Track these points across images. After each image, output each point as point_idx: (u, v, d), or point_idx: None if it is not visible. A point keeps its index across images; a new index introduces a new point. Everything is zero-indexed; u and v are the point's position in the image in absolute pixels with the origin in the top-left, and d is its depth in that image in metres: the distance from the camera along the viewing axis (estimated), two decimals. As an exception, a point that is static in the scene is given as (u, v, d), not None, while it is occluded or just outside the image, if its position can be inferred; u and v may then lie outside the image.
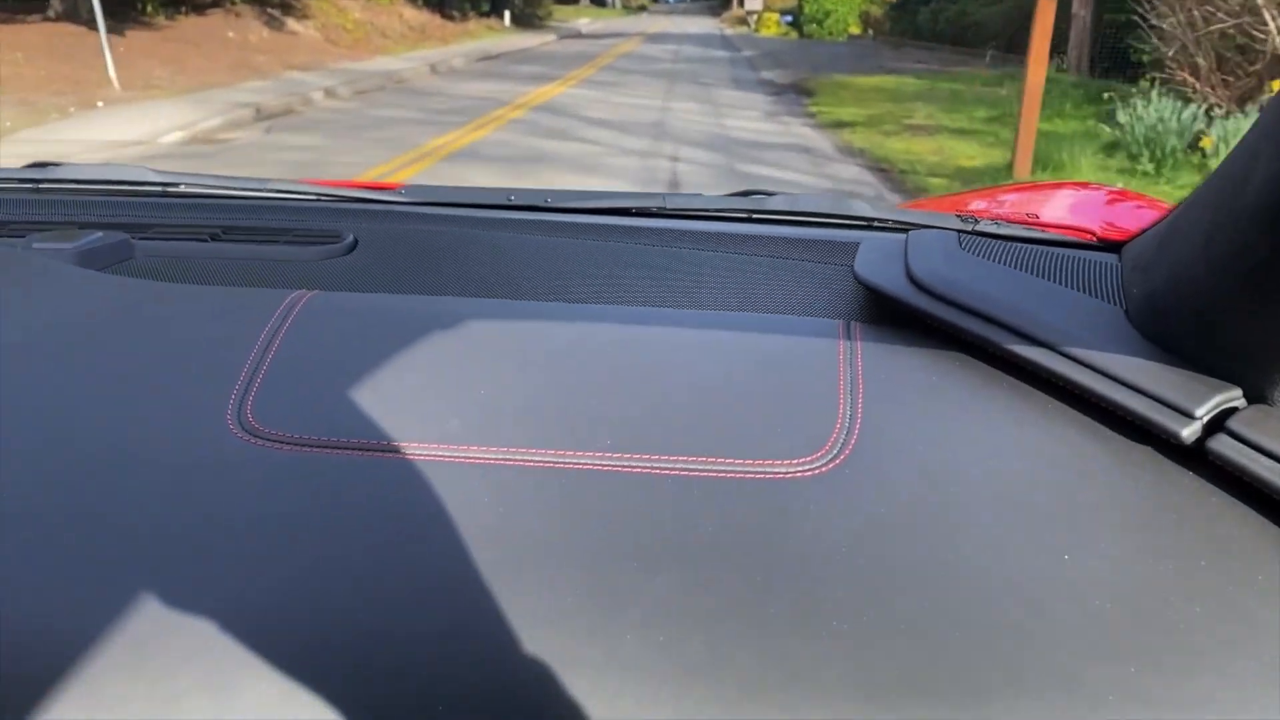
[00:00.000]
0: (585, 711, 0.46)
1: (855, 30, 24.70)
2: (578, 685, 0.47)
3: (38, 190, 1.00)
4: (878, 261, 0.71)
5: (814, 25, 25.85)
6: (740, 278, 0.78)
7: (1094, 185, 1.07)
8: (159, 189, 0.99)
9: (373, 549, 0.50)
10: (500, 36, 20.36)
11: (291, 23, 13.43)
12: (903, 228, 0.83)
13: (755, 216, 0.89)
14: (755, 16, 31.57)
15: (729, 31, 30.65)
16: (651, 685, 0.47)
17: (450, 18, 20.24)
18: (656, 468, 0.54)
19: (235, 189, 0.99)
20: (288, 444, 0.55)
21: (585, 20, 36.50)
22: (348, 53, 13.23)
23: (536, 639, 0.48)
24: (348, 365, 0.60)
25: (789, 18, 27.61)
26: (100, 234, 0.84)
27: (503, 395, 0.58)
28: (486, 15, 23.62)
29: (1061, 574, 0.49)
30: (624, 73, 12.91)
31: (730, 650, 0.47)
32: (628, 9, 56.29)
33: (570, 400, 0.58)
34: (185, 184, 0.98)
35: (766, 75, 12.93)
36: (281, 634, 0.48)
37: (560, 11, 43.53)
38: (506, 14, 24.39)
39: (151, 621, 0.48)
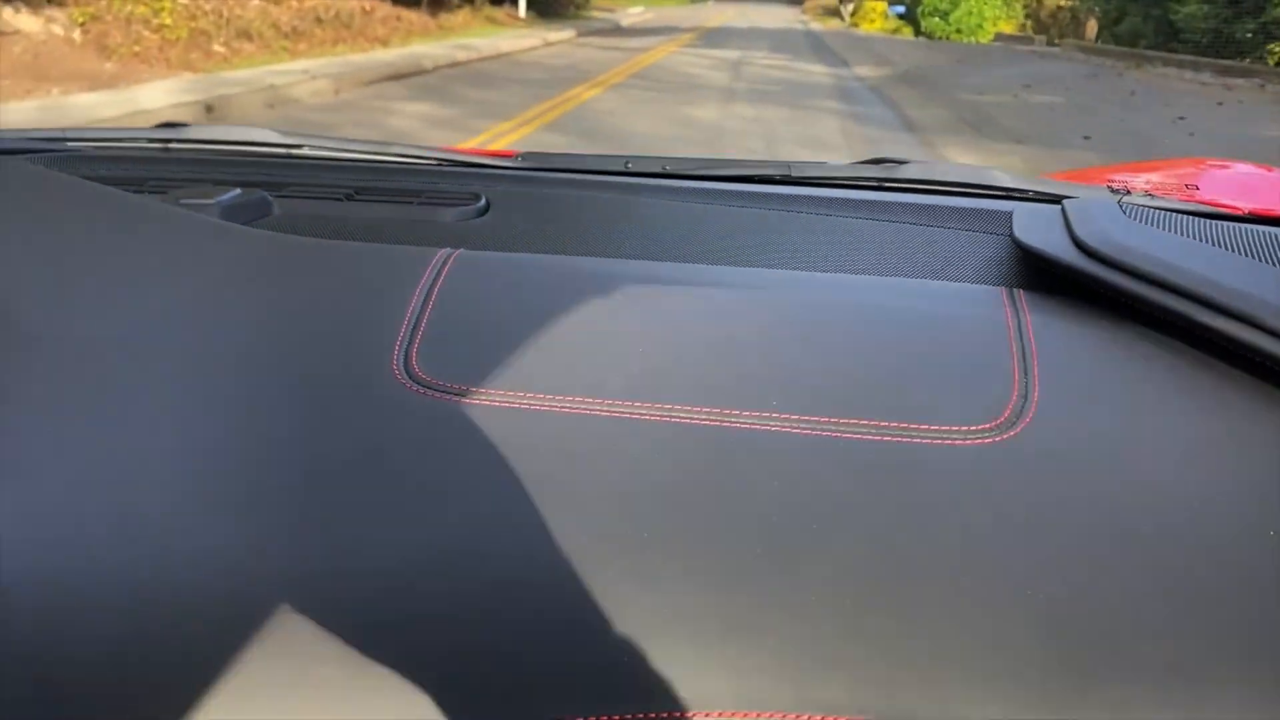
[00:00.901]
0: (770, 675, 0.46)
1: (1005, 28, 17.59)
2: (759, 652, 0.47)
3: (166, 149, 1.05)
4: (1038, 228, 0.70)
5: (935, 20, 18.96)
6: (881, 244, 0.77)
7: (1231, 161, 1.09)
8: (283, 150, 1.04)
9: (535, 501, 0.51)
10: (486, 34, 14.64)
11: (8, 13, 7.10)
12: (1049, 198, 0.82)
13: (887, 184, 0.89)
14: (851, 5, 25.10)
15: (816, 26, 25.37)
16: (834, 656, 0.47)
17: (441, 5, 14.76)
18: (826, 431, 0.54)
19: (358, 151, 1.03)
20: (454, 394, 0.56)
21: (637, 9, 30.65)
22: (105, 72, 6.90)
23: (708, 600, 0.48)
24: (504, 320, 0.61)
25: (899, 8, 20.82)
26: (238, 190, 0.86)
27: (662, 353, 0.59)
28: (498, 2, 18.17)
29: (1256, 554, 0.48)
30: (602, 126, 6.31)
31: (915, 621, 0.47)
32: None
33: (731, 360, 0.58)
34: (309, 146, 1.03)
35: (939, 138, 6.32)
36: (445, 579, 0.48)
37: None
38: (522, 4, 18.82)
39: (321, 561, 0.49)
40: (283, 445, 0.54)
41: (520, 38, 13.95)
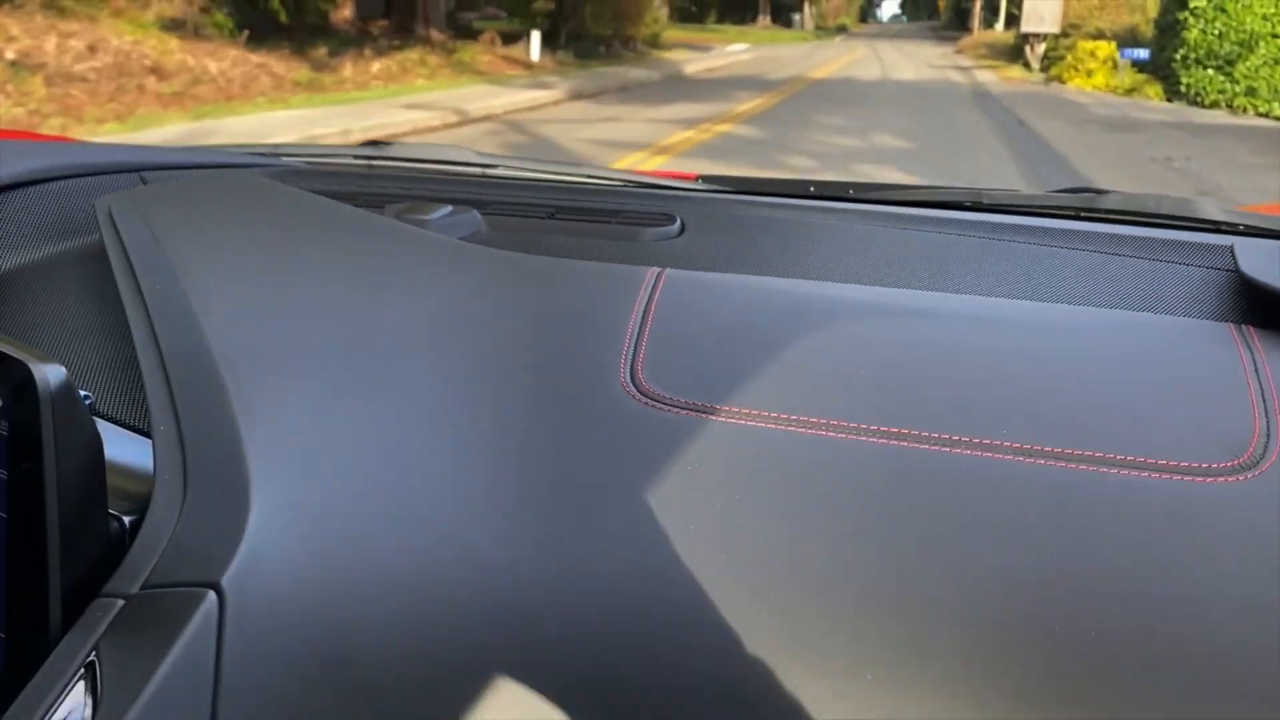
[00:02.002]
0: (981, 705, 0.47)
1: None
2: (968, 687, 0.47)
3: (371, 166, 1.07)
4: (1266, 263, 0.70)
5: (1207, 73, 11.08)
6: (1089, 274, 0.76)
7: None
8: (480, 169, 1.06)
9: (765, 518, 0.51)
10: (411, 93, 9.69)
11: None
12: (1267, 233, 0.82)
13: (1085, 214, 0.87)
14: (1043, 45, 16.20)
15: (985, 77, 16.37)
16: (1038, 702, 0.47)
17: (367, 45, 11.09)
18: (1059, 462, 0.52)
19: (549, 172, 1.05)
20: (679, 408, 0.57)
21: (739, 46, 25.13)
22: None
23: (945, 627, 0.48)
24: (721, 338, 0.62)
25: (1136, 53, 12.75)
26: (450, 208, 0.89)
27: (885, 376, 0.58)
28: (513, 40, 13.73)
29: None
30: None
31: (1160, 686, 0.46)
32: (821, 31, 41.84)
33: (956, 388, 0.57)
34: (503, 166, 1.06)
35: None
36: (680, 587, 0.50)
37: (714, 34, 30.59)
38: (535, 40, 13.84)
39: (569, 568, 0.51)
40: (527, 453, 0.56)
41: (475, 98, 9.00)
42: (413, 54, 11.23)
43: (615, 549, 0.51)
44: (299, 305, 0.64)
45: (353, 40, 11.34)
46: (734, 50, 23.73)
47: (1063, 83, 14.15)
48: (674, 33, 30.15)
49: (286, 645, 0.46)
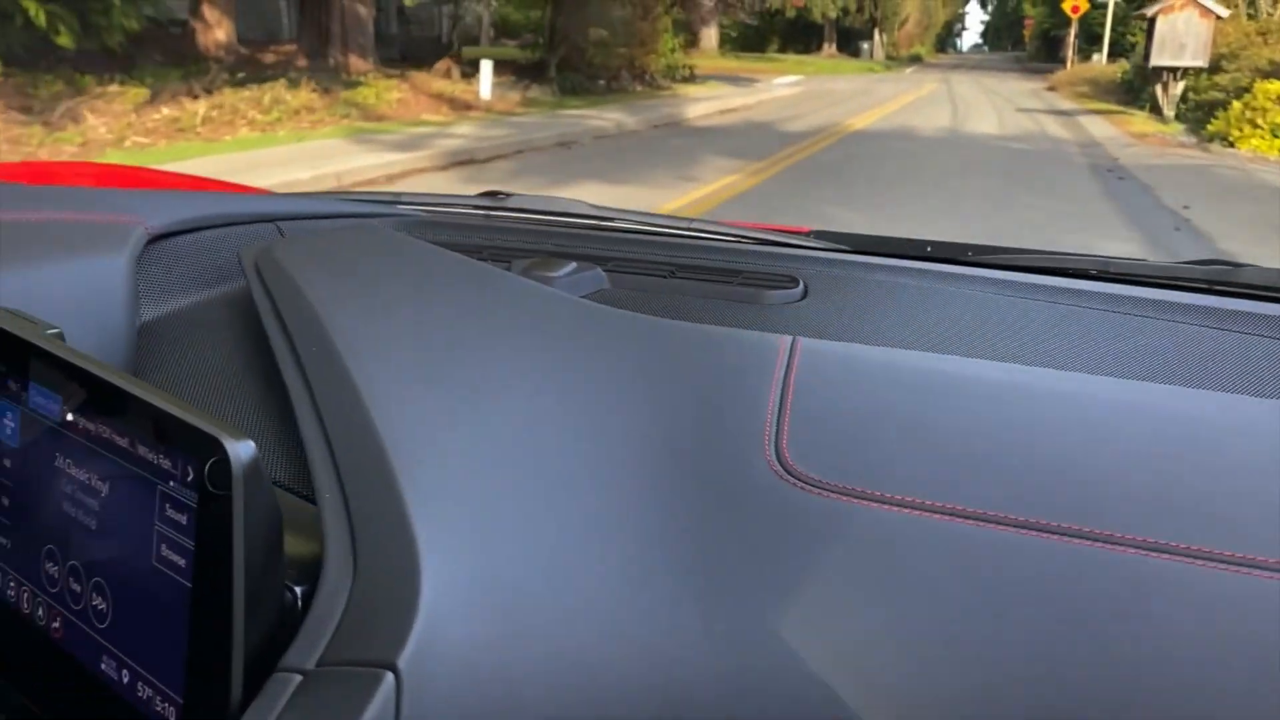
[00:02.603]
0: None
1: None
2: None
3: (488, 217, 1.11)
4: None
5: None
6: (1223, 355, 0.75)
7: None
8: (593, 222, 1.08)
9: (932, 620, 0.49)
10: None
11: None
12: None
13: (1218, 288, 0.85)
14: (1173, 81, 11.24)
15: (1101, 131, 11.46)
16: None
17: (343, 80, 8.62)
18: (1253, 571, 0.49)
19: (666, 226, 1.06)
20: (833, 492, 0.55)
21: (788, 79, 22.03)
22: None
23: None
24: (864, 417, 0.61)
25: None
26: (575, 265, 0.90)
27: (1039, 463, 0.56)
28: (472, 75, 10.88)
29: None
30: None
31: None
32: (892, 62, 38.05)
33: (1118, 480, 0.55)
34: (620, 220, 1.08)
35: None
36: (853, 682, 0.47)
37: (770, 64, 27.19)
38: (485, 73, 10.84)
39: (724, 657, 0.49)
40: (677, 534, 0.54)
41: (288, 162, 6.24)
42: (282, 92, 7.94)
43: (778, 642, 0.49)
44: (447, 371, 0.65)
45: (227, 69, 8.24)
46: (781, 83, 20.23)
47: (1229, 144, 9.76)
48: (723, 62, 26.91)
49: None
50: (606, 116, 9.99)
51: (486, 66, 10.52)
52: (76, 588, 0.56)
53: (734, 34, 34.88)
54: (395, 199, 1.16)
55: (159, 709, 0.51)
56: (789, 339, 0.68)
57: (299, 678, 0.45)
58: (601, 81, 13.42)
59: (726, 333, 0.72)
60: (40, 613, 0.59)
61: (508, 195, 1.15)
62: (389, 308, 0.72)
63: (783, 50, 36.11)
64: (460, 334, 0.69)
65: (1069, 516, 0.52)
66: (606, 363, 0.67)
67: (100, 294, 0.76)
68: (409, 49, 12.81)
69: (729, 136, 9.51)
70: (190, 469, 0.48)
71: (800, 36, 37.87)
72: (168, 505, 0.50)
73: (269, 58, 10.16)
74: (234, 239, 0.93)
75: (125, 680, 0.53)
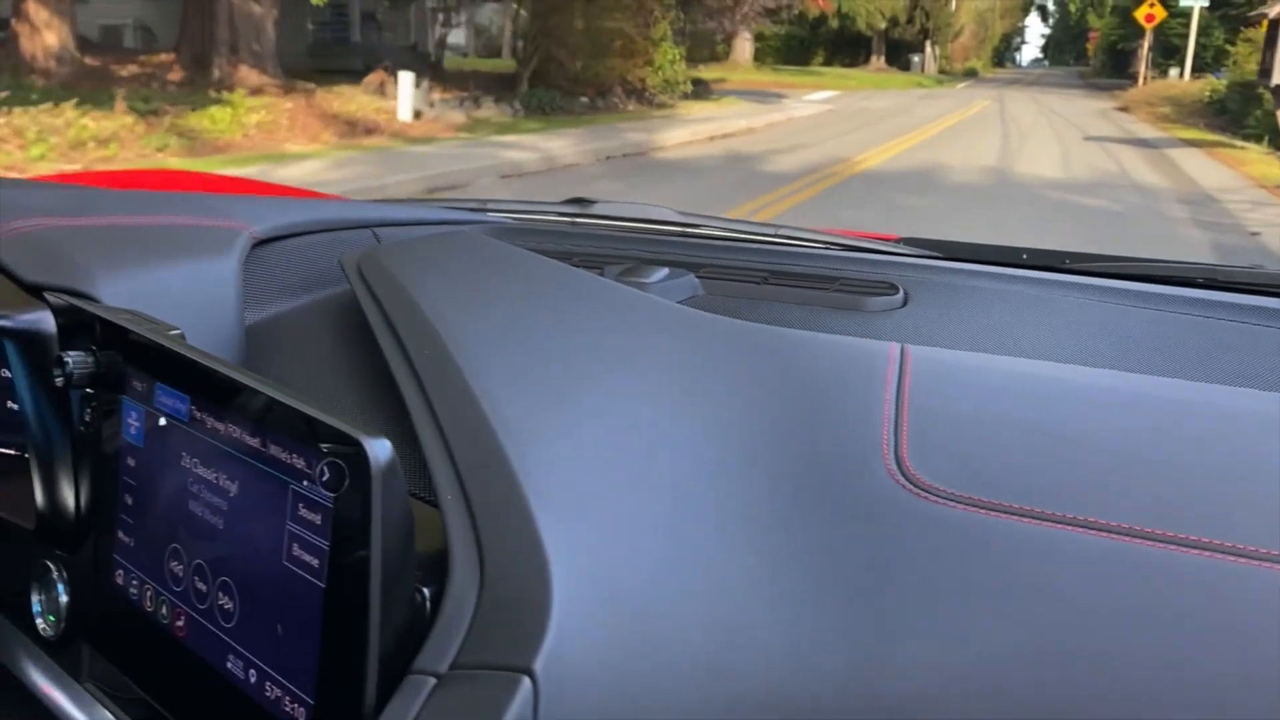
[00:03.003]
0: None
1: None
2: None
3: (574, 224, 1.13)
4: None
5: None
6: None
7: None
8: (679, 229, 1.08)
9: (1073, 630, 0.47)
10: None
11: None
12: None
13: None
14: None
15: (1210, 176, 8.26)
16: None
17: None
18: None
19: (753, 233, 1.06)
20: (958, 502, 0.54)
21: (821, 95, 20.10)
22: None
23: None
24: (984, 426, 0.60)
25: None
26: (667, 270, 0.91)
27: (1173, 475, 0.55)
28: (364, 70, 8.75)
29: None
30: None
31: None
32: (945, 76, 35.50)
33: (1236, 492, 0.54)
34: (706, 225, 1.08)
35: None
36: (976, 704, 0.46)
37: (810, 77, 24.91)
38: (404, 86, 8.79)
39: (846, 670, 0.48)
40: (799, 542, 0.53)
41: None
42: (73, 114, 5.89)
43: (902, 655, 0.47)
44: (554, 376, 0.65)
45: (61, 82, 6.38)
46: (809, 100, 17.99)
47: None
48: (756, 76, 24.77)
49: None
50: (544, 145, 7.91)
51: (405, 81, 8.40)
52: (202, 586, 0.57)
53: (775, 45, 32.54)
54: (482, 206, 1.19)
55: (288, 709, 0.51)
56: (897, 346, 0.67)
57: (433, 680, 0.44)
58: (585, 98, 11.27)
59: (832, 339, 0.71)
60: (164, 611, 0.60)
61: (592, 202, 1.18)
62: (492, 311, 0.73)
63: (828, 63, 33.71)
64: (563, 338, 0.70)
65: (1210, 531, 0.50)
66: (711, 369, 0.67)
67: (211, 296, 0.78)
68: (374, 58, 10.78)
69: (687, 177, 7.35)
70: (326, 469, 0.48)
71: (847, 49, 35.36)
72: (301, 505, 0.50)
73: (129, 69, 8.12)
74: (331, 245, 0.94)
75: (252, 680, 0.53)
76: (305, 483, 0.50)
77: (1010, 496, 0.53)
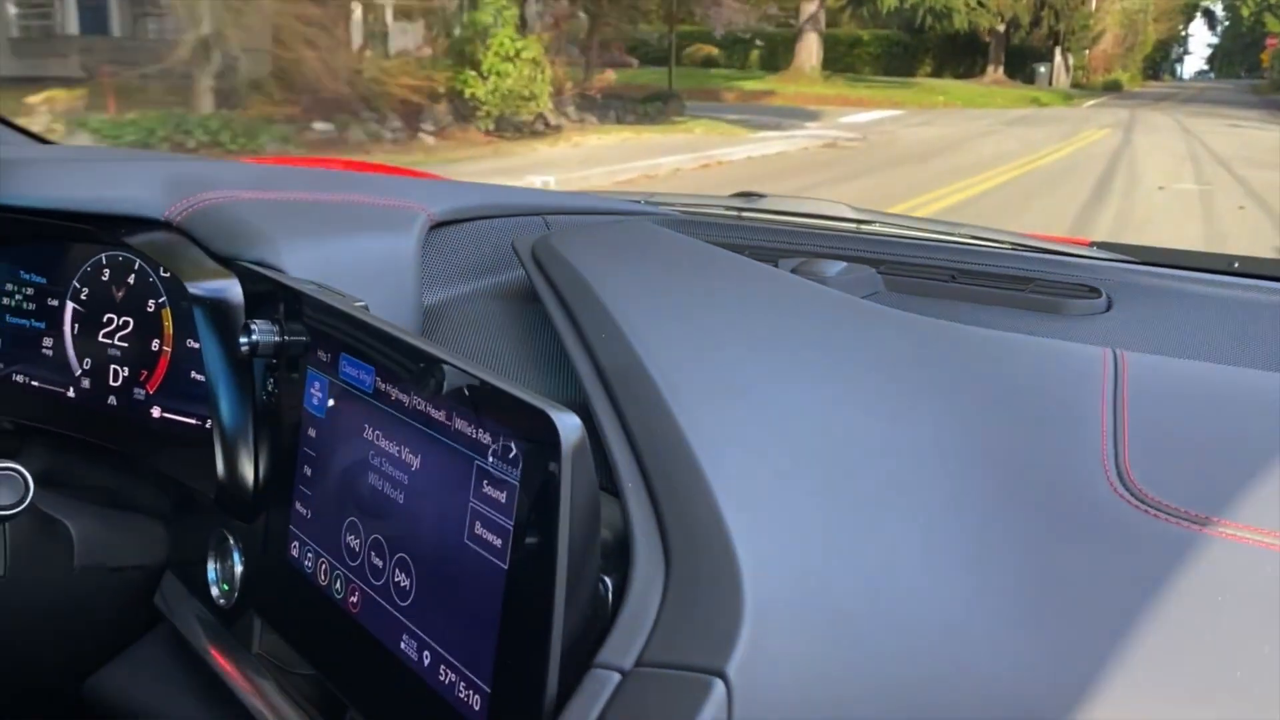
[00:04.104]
0: None
1: None
2: None
3: (741, 217, 1.11)
4: None
5: None
6: None
7: None
8: (854, 225, 1.05)
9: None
10: None
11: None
12: None
13: None
14: None
15: None
16: None
17: None
18: None
19: (932, 231, 1.04)
20: (1188, 520, 0.51)
21: (853, 118, 16.10)
22: None
23: None
24: (1214, 439, 0.57)
25: None
26: (844, 264, 0.88)
27: None
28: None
29: None
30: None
31: None
32: (1079, 91, 29.58)
33: None
34: (879, 222, 1.05)
35: None
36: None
37: (860, 92, 20.32)
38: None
39: (1063, 690, 0.46)
40: (1011, 553, 0.51)
41: None
42: None
43: (1119, 670, 0.45)
44: (734, 366, 0.63)
45: None
46: (841, 124, 14.09)
47: None
48: (815, 88, 20.65)
49: None
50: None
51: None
52: (378, 562, 0.56)
53: (874, 52, 27.36)
54: (648, 198, 1.18)
55: (462, 695, 0.50)
56: (1109, 352, 0.64)
57: (618, 676, 0.43)
58: (324, 124, 7.08)
59: (1039, 342, 0.68)
60: (338, 586, 0.60)
61: (761, 196, 1.16)
62: (668, 298, 0.72)
63: (938, 74, 28.25)
64: (743, 327, 0.68)
65: None
66: (905, 366, 0.64)
67: (390, 274, 0.78)
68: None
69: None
70: (513, 444, 0.47)
71: (961, 57, 29.70)
72: (485, 481, 0.49)
73: None
74: (502, 230, 0.94)
75: (426, 662, 0.52)
76: (491, 459, 0.49)
77: (1241, 515, 0.50)
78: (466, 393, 0.51)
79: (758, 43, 25.87)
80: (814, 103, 18.39)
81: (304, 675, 0.69)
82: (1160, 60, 51.30)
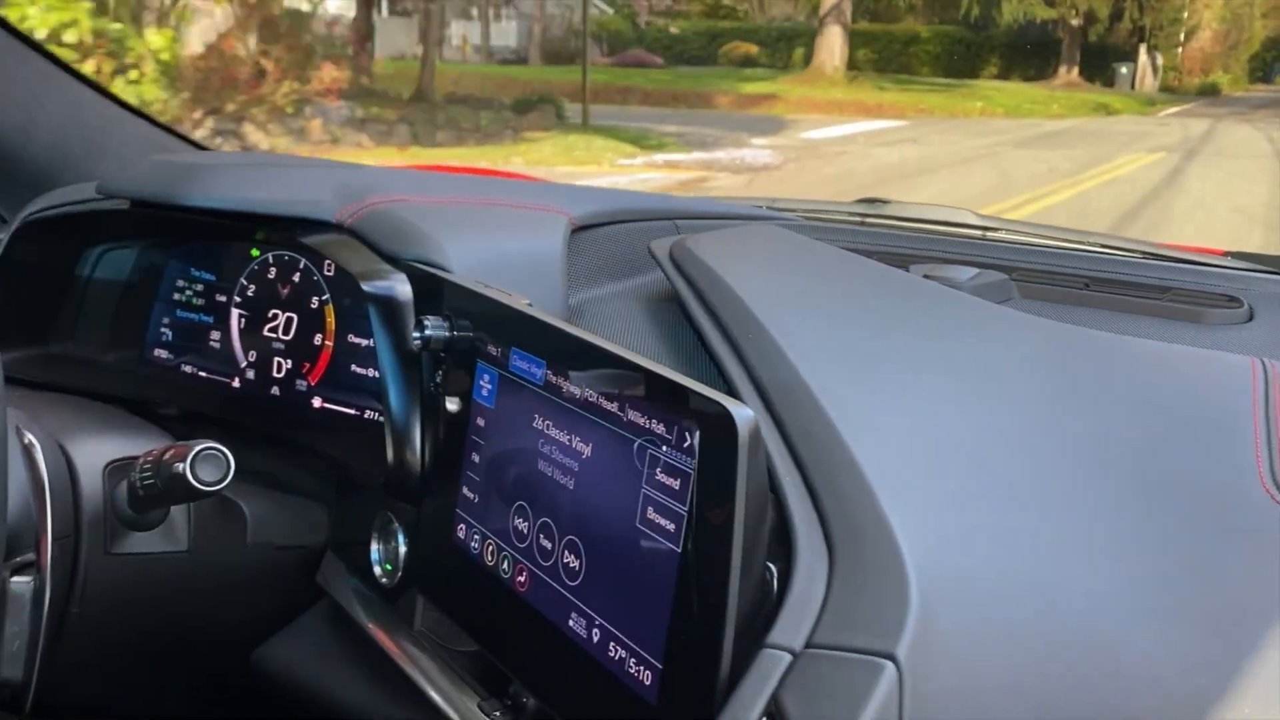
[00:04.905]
0: None
1: None
2: None
3: (864, 223, 1.13)
4: None
5: None
6: None
7: None
8: (980, 231, 1.07)
9: None
10: None
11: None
12: None
13: None
14: None
15: None
16: None
17: None
18: None
19: (1060, 239, 1.05)
20: None
21: (833, 132, 15.70)
22: None
23: None
24: None
25: None
26: (976, 270, 0.89)
27: None
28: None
29: None
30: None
31: None
32: (1168, 95, 26.45)
33: None
34: (1004, 230, 1.07)
35: None
36: None
37: (890, 98, 18.22)
38: None
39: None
40: (1165, 557, 0.51)
41: None
42: None
43: (1273, 678, 0.45)
44: (875, 362, 0.64)
45: None
46: (808, 138, 11.74)
47: None
48: (834, 92, 18.38)
49: None
50: None
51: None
52: (547, 544, 0.59)
53: (933, 52, 24.23)
54: (770, 203, 1.20)
55: (632, 670, 0.52)
56: (1258, 361, 0.64)
57: (789, 657, 0.45)
58: None
59: (1186, 350, 0.68)
60: (505, 566, 0.63)
61: (885, 202, 1.18)
62: (806, 298, 0.74)
63: (1004, 75, 24.94)
64: (881, 327, 0.69)
65: None
66: (1046, 370, 0.65)
67: (541, 273, 0.82)
68: None
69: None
70: (689, 435, 0.50)
71: (1032, 56, 26.23)
72: (658, 469, 0.52)
73: None
74: (634, 234, 0.98)
75: (595, 639, 0.55)
76: (665, 448, 0.52)
77: None
78: (639, 385, 0.54)
79: (800, 40, 23.01)
80: (819, 110, 16.18)
81: (464, 652, 0.75)
82: (1272, 60, 45.69)
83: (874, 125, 14.45)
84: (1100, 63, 27.25)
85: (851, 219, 1.14)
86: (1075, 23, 25.07)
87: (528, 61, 21.95)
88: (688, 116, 14.21)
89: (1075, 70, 26.23)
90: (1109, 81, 26.73)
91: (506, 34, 24.25)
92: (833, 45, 19.72)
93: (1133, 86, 26.74)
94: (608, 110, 13.27)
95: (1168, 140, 13.58)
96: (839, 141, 12.47)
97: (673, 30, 25.02)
